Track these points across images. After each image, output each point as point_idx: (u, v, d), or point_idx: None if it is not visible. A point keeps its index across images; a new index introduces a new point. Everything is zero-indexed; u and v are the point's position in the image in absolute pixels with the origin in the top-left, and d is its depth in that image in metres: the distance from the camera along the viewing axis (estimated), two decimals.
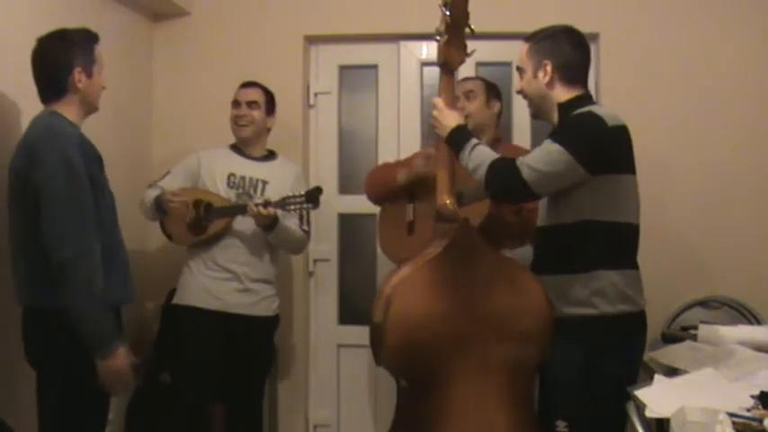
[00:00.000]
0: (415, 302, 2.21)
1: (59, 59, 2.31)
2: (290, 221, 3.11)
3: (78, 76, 2.31)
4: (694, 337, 2.66)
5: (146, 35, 3.69)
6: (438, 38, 2.36)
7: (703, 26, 3.43)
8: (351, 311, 3.76)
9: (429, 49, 3.62)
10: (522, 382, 2.28)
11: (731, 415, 1.69)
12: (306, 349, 3.71)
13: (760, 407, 1.81)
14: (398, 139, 3.67)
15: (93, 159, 2.29)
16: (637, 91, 3.42)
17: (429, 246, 2.37)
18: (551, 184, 2.26)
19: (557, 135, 2.28)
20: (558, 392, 2.34)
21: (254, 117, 3.20)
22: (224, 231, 3.09)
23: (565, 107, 2.35)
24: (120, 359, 2.24)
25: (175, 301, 3.18)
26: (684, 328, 3.02)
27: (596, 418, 2.28)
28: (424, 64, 3.67)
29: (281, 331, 3.42)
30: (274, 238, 3.09)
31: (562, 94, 2.36)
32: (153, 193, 3.11)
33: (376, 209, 3.26)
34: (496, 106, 3.07)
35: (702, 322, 2.82)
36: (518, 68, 2.46)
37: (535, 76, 2.38)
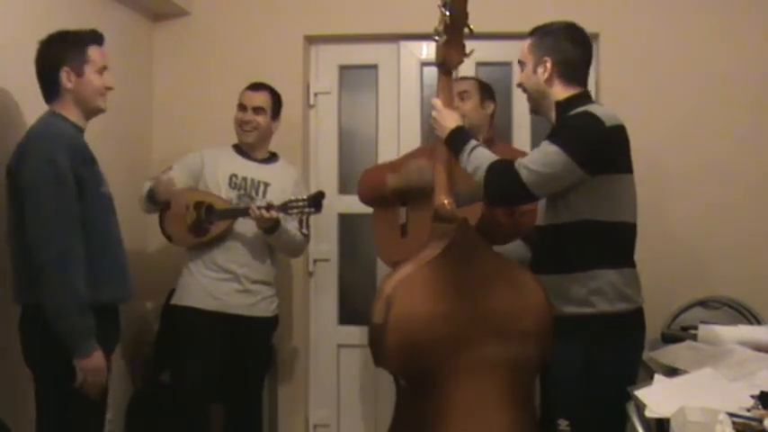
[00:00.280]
0: (416, 303, 2.21)
1: (48, 60, 2.33)
2: (290, 225, 3.11)
3: (67, 75, 2.31)
4: (694, 337, 2.66)
5: (146, 35, 3.69)
6: (437, 38, 2.36)
7: (703, 26, 3.43)
8: (351, 312, 3.76)
9: (429, 49, 3.61)
10: (523, 382, 2.28)
11: (731, 415, 1.69)
12: (306, 349, 3.71)
13: (760, 407, 1.80)
14: (398, 139, 3.67)
15: (83, 160, 2.29)
16: (637, 91, 3.42)
17: (427, 246, 2.36)
18: (550, 185, 2.27)
19: (554, 136, 2.28)
20: (559, 391, 2.34)
21: (260, 123, 3.18)
22: (225, 233, 3.09)
23: (563, 106, 2.35)
24: (96, 359, 2.23)
25: (175, 301, 3.18)
26: (684, 328, 3.02)
27: (597, 417, 2.28)
28: (424, 64, 3.66)
29: (280, 331, 3.41)
30: (275, 240, 3.09)
31: (560, 91, 2.37)
32: (148, 185, 3.12)
33: None
34: (490, 107, 3.06)
35: (702, 322, 2.83)
36: (520, 62, 2.46)
37: (535, 71, 2.39)
